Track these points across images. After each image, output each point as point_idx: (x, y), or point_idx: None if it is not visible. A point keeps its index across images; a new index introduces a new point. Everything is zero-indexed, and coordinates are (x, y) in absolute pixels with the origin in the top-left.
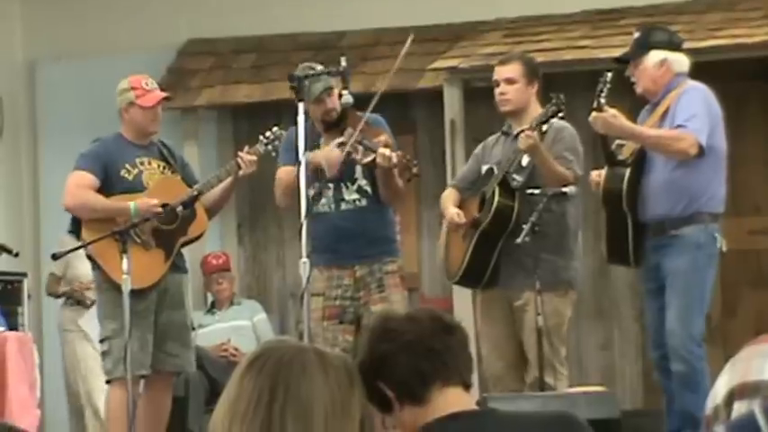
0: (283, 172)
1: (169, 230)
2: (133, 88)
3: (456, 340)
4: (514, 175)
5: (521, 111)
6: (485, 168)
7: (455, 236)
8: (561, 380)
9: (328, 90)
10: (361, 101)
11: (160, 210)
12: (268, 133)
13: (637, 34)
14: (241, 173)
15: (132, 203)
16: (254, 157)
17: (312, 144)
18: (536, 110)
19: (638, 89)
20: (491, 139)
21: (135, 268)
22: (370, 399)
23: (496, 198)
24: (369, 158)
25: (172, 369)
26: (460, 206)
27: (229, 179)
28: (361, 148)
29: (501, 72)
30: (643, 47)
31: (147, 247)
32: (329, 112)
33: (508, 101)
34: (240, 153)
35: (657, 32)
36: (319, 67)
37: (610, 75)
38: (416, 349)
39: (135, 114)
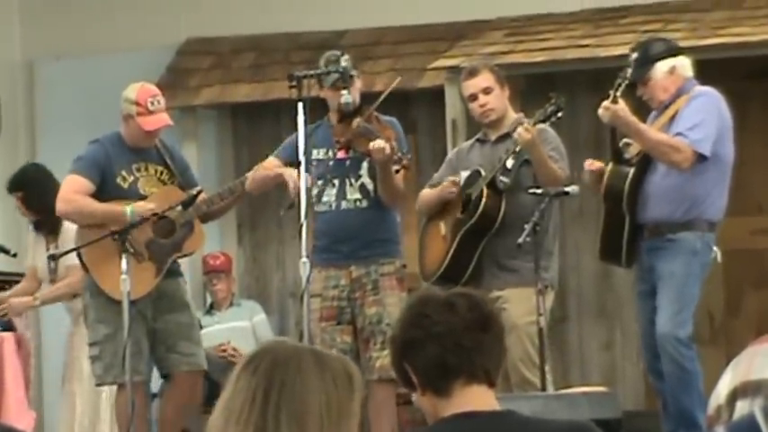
0: (268, 161)
1: (163, 244)
2: (137, 104)
3: (489, 337)
4: (501, 177)
5: (502, 117)
6: (466, 173)
7: (433, 238)
8: (547, 378)
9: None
10: (362, 100)
11: (156, 212)
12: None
13: (635, 54)
14: (247, 191)
15: (129, 207)
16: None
17: (324, 141)
18: (512, 116)
19: (654, 105)
20: (465, 145)
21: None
22: (399, 376)
23: (484, 198)
24: (364, 147)
25: (188, 368)
26: (443, 209)
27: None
28: (362, 138)
29: (475, 84)
30: (647, 62)
31: (140, 258)
32: (350, 102)
33: (492, 110)
34: (248, 174)
35: (655, 44)
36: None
37: (630, 71)
38: (445, 342)
39: (133, 128)
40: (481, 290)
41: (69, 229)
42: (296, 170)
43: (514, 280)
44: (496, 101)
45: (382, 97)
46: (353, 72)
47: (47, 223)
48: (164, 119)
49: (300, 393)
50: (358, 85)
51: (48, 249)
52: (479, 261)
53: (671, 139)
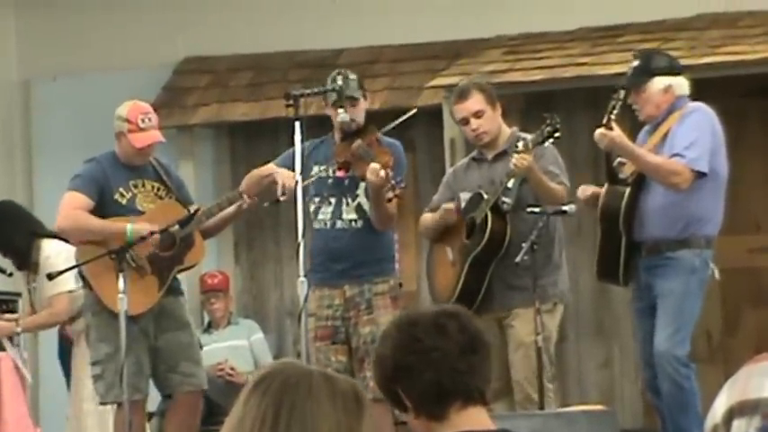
0: (265, 167)
1: (165, 257)
2: (128, 121)
3: (479, 358)
4: (503, 198)
5: (496, 137)
6: (466, 195)
7: (440, 262)
8: (550, 396)
9: (348, 99)
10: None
11: (155, 231)
12: None
13: (636, 62)
14: (245, 206)
15: (129, 225)
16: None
17: (326, 157)
18: (506, 132)
19: (642, 116)
20: (460, 165)
21: (128, 293)
22: (388, 397)
23: (490, 224)
24: (362, 171)
25: (190, 389)
26: (445, 232)
27: (232, 208)
28: (360, 160)
29: (467, 108)
30: (645, 73)
31: (142, 272)
32: (348, 121)
33: (485, 133)
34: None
35: (658, 58)
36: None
37: (623, 92)
38: (441, 369)
39: (125, 145)
40: (494, 310)
41: (48, 256)
42: (288, 171)
43: (523, 298)
44: (489, 123)
45: (389, 127)
46: (355, 93)
47: (16, 261)
48: (154, 135)
49: (311, 416)
50: (362, 105)
51: (27, 284)
52: (489, 283)
53: (668, 161)
